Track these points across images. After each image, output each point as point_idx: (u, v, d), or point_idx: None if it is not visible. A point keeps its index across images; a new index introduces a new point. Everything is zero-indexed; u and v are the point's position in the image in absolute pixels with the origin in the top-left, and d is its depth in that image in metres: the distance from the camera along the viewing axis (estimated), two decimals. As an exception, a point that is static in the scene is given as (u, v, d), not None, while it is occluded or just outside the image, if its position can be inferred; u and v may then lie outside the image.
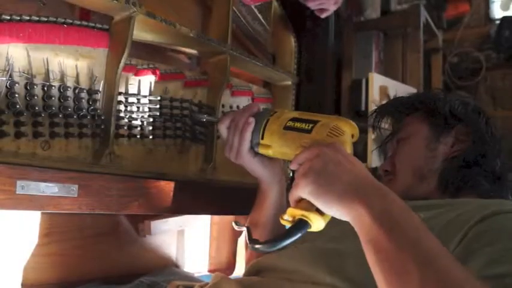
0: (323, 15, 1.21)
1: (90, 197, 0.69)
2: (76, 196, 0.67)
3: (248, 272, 0.83)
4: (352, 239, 0.64)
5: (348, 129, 0.69)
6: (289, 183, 1.22)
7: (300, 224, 0.58)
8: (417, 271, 0.45)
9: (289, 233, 0.58)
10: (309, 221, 0.58)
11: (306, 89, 1.29)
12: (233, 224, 0.89)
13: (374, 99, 2.24)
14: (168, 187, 0.83)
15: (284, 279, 0.72)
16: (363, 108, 2.43)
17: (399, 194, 0.84)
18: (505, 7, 3.45)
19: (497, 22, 3.29)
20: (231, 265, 1.45)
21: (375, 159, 1.96)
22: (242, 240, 1.39)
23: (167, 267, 1.22)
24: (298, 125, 0.72)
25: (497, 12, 3.43)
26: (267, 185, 0.88)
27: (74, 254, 1.01)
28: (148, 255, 1.18)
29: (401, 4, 2.98)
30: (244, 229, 0.77)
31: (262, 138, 0.78)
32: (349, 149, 0.67)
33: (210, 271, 1.41)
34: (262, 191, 0.89)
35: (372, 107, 2.27)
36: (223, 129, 0.85)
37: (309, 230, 0.58)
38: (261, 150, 0.79)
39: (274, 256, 0.79)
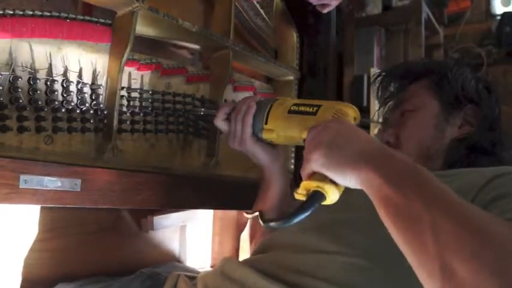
0: (325, 11, 1.20)
1: (93, 191, 0.69)
2: (79, 190, 0.67)
3: (254, 252, 0.83)
4: (356, 209, 0.64)
5: (351, 113, 0.70)
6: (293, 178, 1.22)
7: (316, 196, 0.57)
8: (428, 215, 0.45)
9: (305, 205, 0.57)
10: (324, 192, 0.58)
11: (309, 84, 1.29)
12: (244, 214, 0.89)
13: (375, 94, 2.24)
14: (170, 182, 0.83)
15: (288, 252, 0.72)
16: (365, 104, 2.43)
17: None
18: (505, 3, 3.43)
19: (498, 18, 3.28)
20: (233, 261, 1.45)
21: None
22: (245, 235, 1.39)
23: (170, 262, 1.22)
24: (302, 108, 0.73)
25: (498, 7, 3.41)
26: (270, 172, 0.88)
27: (76, 249, 1.01)
28: (150, 250, 1.19)
29: (402, 0, 2.97)
30: (256, 213, 0.77)
31: (266, 123, 0.78)
32: None
33: (212, 267, 1.41)
34: (266, 178, 0.89)
35: (374, 103, 2.27)
36: (219, 122, 0.85)
37: (323, 203, 0.58)
38: (265, 135, 0.79)
39: (278, 233, 0.80)
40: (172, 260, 1.25)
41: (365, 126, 2.37)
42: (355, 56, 2.61)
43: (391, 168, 0.53)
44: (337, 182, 0.58)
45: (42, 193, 0.63)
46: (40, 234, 0.96)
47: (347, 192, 0.63)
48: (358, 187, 0.56)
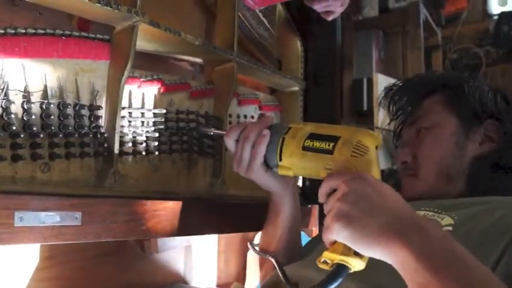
0: (330, 18, 1.16)
1: (95, 224, 0.64)
2: (80, 224, 0.62)
3: (267, 284, 0.78)
4: None
5: (371, 143, 0.64)
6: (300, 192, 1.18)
7: (340, 269, 0.54)
8: None
9: (331, 279, 0.54)
10: (349, 265, 0.54)
11: (314, 94, 1.24)
12: (249, 245, 0.84)
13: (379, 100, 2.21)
14: (176, 208, 0.78)
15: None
16: (365, 108, 2.39)
17: (422, 194, 0.80)
18: (502, 2, 3.41)
19: (495, 18, 3.26)
20: (240, 278, 1.41)
21: (381, 162, 1.91)
22: (252, 254, 1.35)
23: (175, 284, 1.18)
24: (317, 144, 0.67)
25: (495, 7, 3.39)
26: (279, 197, 0.82)
27: (77, 276, 0.97)
28: (155, 272, 1.14)
29: (399, 2, 2.94)
30: (273, 261, 0.71)
31: (281, 160, 0.72)
32: (376, 169, 0.62)
33: (219, 285, 1.36)
34: (275, 203, 0.83)
35: (377, 108, 2.23)
36: (230, 143, 0.78)
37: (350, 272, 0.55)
38: (281, 172, 0.73)
39: (296, 266, 0.75)
40: (177, 281, 1.20)
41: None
42: (354, 59, 2.57)
43: (427, 246, 0.48)
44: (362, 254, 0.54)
45: (39, 231, 0.58)
46: (39, 262, 0.91)
47: None
48: (387, 261, 0.51)
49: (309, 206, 1.16)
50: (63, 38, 0.69)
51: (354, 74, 2.55)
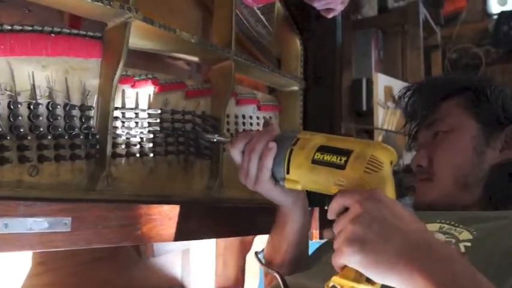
0: (330, 16, 1.14)
1: (86, 230, 0.61)
2: (70, 230, 0.59)
3: None
4: None
5: (386, 158, 0.60)
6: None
7: None
8: None
9: None
10: None
11: (314, 93, 1.21)
12: (254, 256, 0.81)
13: (379, 100, 2.19)
14: (172, 212, 0.75)
15: None
16: (364, 108, 2.37)
17: (436, 200, 0.77)
18: (502, 2, 3.40)
19: (495, 17, 3.25)
20: (239, 282, 1.38)
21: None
22: (251, 257, 1.32)
23: (172, 288, 1.15)
24: (328, 158, 0.63)
25: (494, 7, 3.38)
26: (288, 209, 0.77)
27: (71, 282, 0.94)
28: (151, 277, 1.11)
29: (399, 1, 2.93)
30: (278, 277, 0.68)
31: (288, 173, 0.67)
32: (391, 186, 0.59)
33: (217, 290, 1.34)
34: (282, 214, 0.78)
35: (377, 108, 2.21)
36: (236, 153, 0.73)
37: None
38: (288, 185, 0.69)
39: (301, 276, 0.72)
40: (175, 286, 1.18)
41: (368, 131, 2.32)
42: (353, 59, 2.55)
43: (446, 275, 0.46)
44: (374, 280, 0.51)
45: (26, 238, 0.55)
46: (31, 268, 0.88)
47: None
48: None
49: (309, 208, 1.13)
50: (52, 35, 0.66)
51: (353, 74, 2.53)
